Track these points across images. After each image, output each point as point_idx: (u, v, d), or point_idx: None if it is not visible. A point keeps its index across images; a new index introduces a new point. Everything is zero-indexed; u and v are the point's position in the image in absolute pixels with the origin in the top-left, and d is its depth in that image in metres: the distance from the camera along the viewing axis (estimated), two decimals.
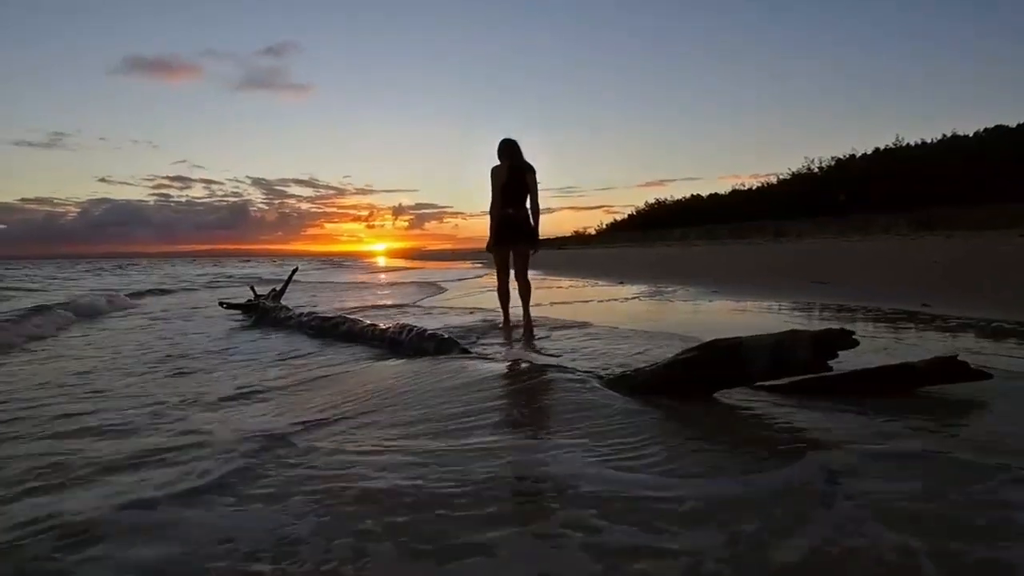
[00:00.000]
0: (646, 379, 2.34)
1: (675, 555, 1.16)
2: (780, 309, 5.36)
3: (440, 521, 1.34)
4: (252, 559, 1.21)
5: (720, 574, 1.09)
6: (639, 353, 3.14)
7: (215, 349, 4.26)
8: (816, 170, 50.93)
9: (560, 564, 1.15)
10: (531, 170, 4.51)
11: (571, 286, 9.81)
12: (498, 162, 4.53)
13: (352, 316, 5.00)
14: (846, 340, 2.08)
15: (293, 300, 8.32)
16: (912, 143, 44.82)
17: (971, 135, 41.97)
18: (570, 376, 2.56)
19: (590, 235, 75.91)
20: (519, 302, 4.60)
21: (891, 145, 45.91)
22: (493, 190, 4.48)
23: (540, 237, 4.62)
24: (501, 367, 2.93)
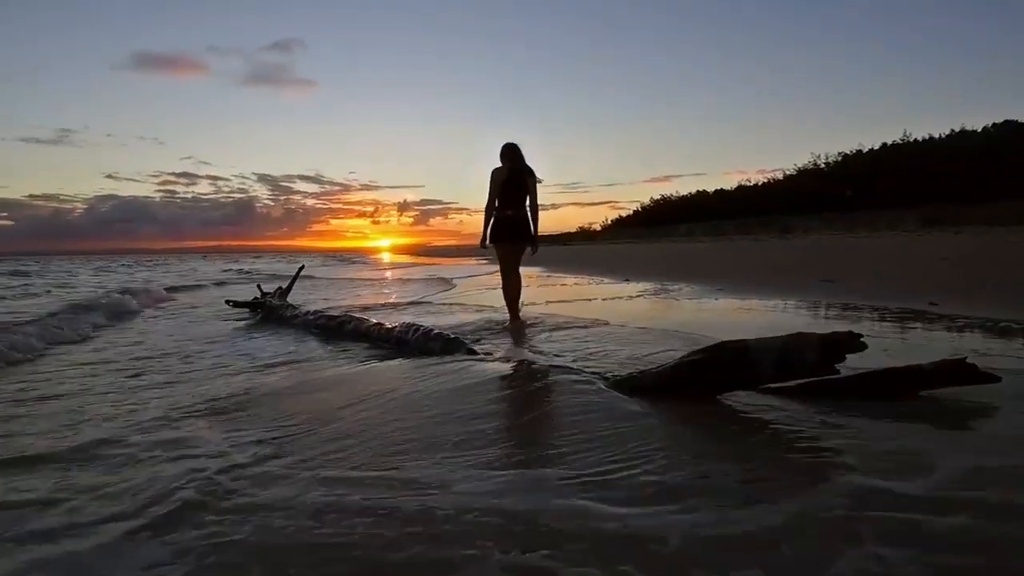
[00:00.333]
0: (652, 381, 2.34)
1: None
2: (786, 308, 5.34)
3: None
4: None
5: None
6: (647, 355, 3.13)
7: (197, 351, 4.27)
8: (822, 166, 50.54)
9: None
10: (531, 173, 4.72)
11: (576, 283, 9.80)
12: (499, 164, 4.73)
13: (358, 315, 5.02)
14: (854, 343, 2.07)
15: (302, 298, 8.37)
16: (919, 138, 44.37)
17: (979, 130, 41.53)
18: (575, 378, 2.56)
19: (595, 231, 75.68)
20: (524, 299, 4.92)
21: (898, 141, 45.43)
22: (491, 190, 4.68)
23: (540, 234, 4.92)
24: (504, 368, 2.94)
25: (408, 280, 14.38)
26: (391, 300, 8.36)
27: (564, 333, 4.08)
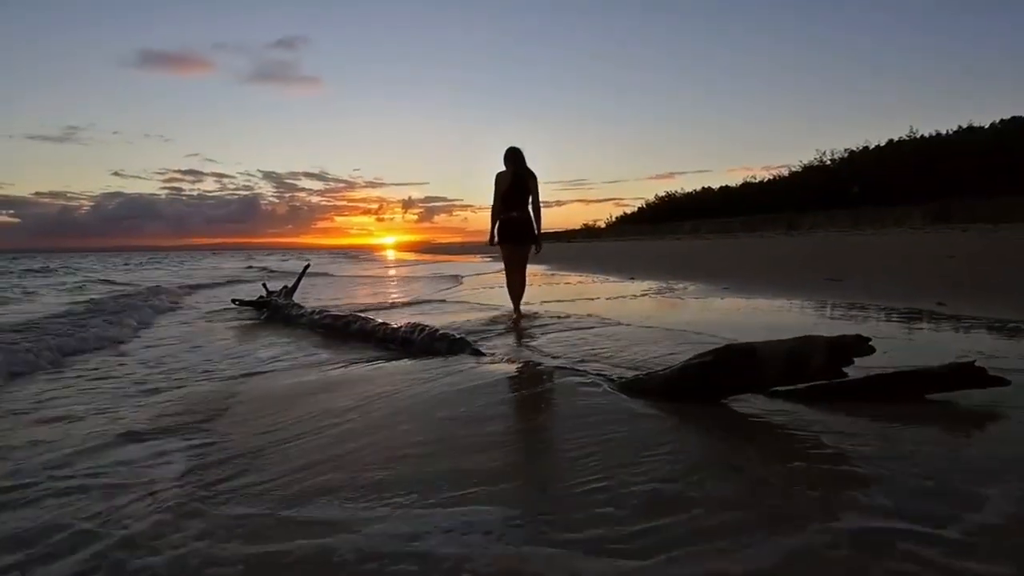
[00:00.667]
0: (658, 383, 2.33)
1: None
2: (792, 308, 5.32)
3: None
4: None
5: None
6: (653, 356, 3.13)
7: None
8: (828, 162, 50.31)
9: None
10: (533, 176, 5.11)
11: (580, 282, 9.79)
12: (503, 167, 5.14)
13: (363, 315, 5.03)
14: (862, 347, 2.06)
15: (312, 295, 8.37)
16: (926, 134, 44.07)
17: (987, 126, 41.21)
18: (581, 380, 2.56)
19: (600, 228, 75.60)
20: (528, 297, 5.25)
21: (905, 137, 45.17)
22: (496, 193, 5.13)
23: (544, 231, 5.30)
24: (510, 370, 2.96)
25: (414, 278, 14.42)
26: (398, 298, 8.38)
27: (569, 333, 4.08)
